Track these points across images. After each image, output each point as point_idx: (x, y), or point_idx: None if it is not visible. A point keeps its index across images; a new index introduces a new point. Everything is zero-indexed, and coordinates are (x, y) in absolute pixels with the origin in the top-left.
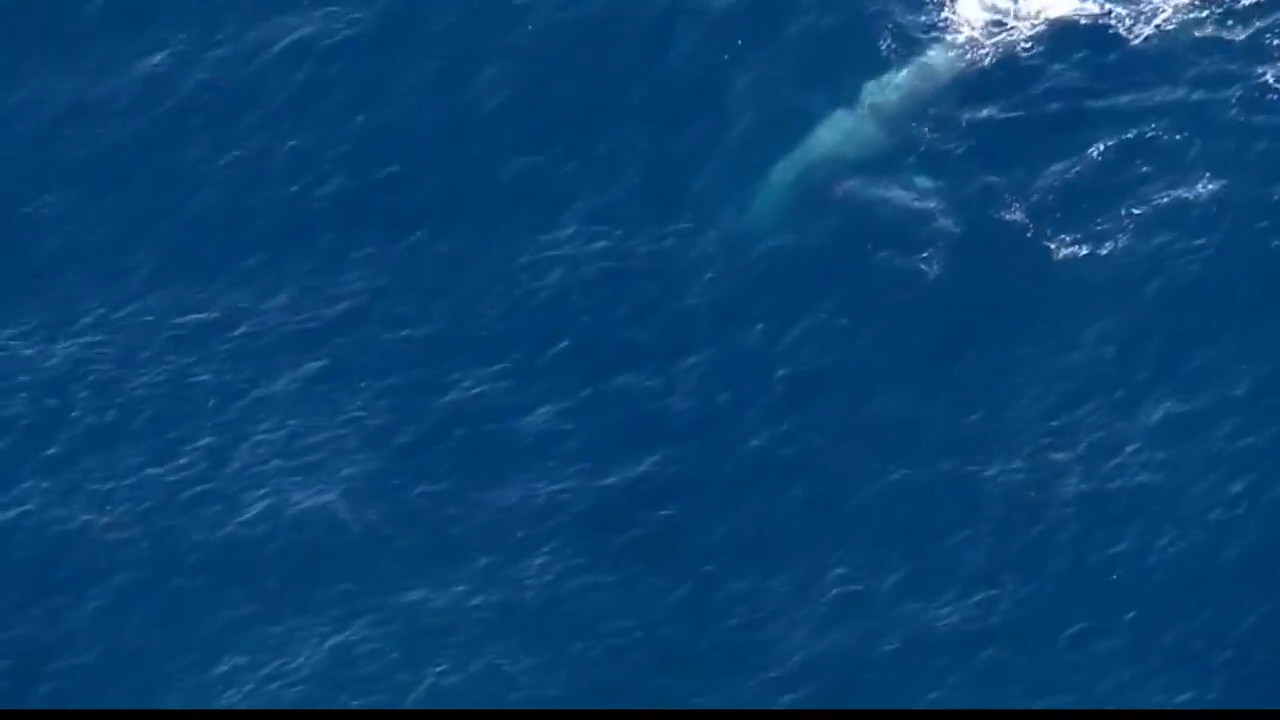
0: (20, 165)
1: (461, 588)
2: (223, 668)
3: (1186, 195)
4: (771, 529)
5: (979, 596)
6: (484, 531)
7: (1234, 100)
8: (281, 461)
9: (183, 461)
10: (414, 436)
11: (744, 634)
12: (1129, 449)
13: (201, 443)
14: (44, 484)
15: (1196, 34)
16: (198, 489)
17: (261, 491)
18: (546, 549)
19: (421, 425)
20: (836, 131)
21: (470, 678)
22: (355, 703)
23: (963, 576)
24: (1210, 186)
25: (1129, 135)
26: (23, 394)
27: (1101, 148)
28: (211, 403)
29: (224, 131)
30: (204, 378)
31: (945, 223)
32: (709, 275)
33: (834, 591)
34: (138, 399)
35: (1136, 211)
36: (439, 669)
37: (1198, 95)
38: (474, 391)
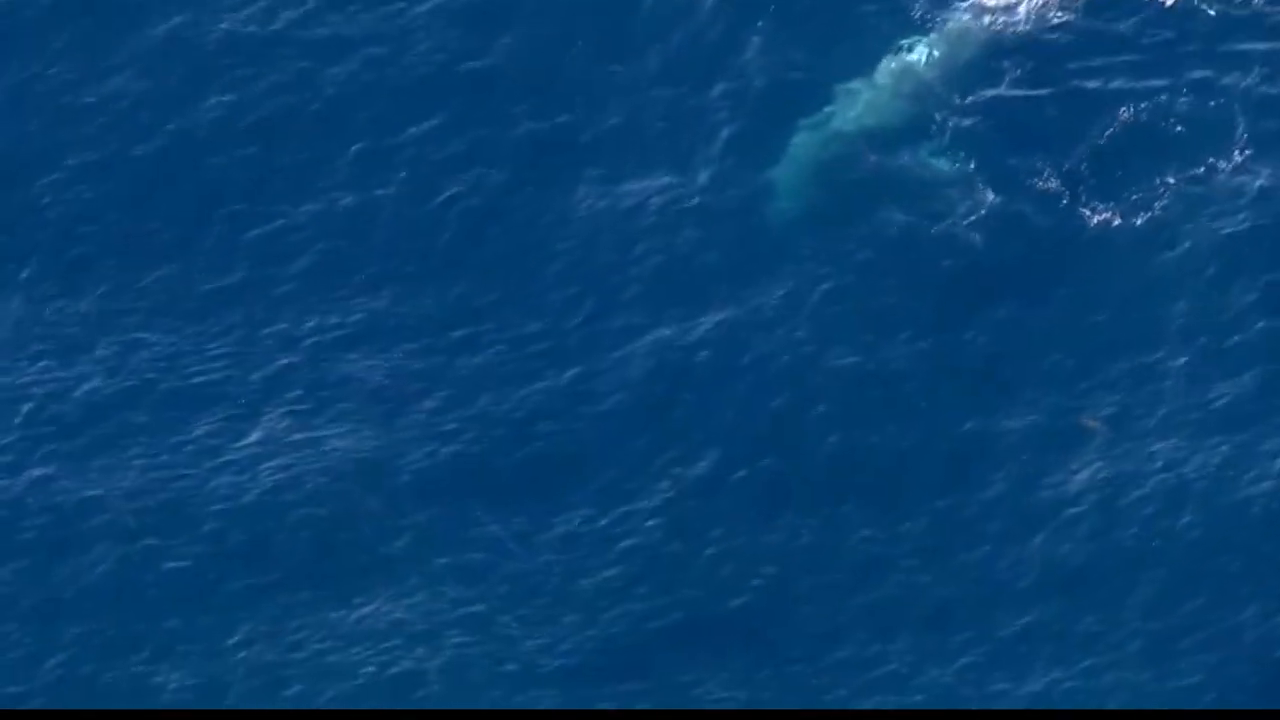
0: (38, 132)
1: (482, 556)
2: (238, 637)
3: (1218, 165)
4: (794, 488)
5: (1006, 561)
6: (505, 499)
7: (1264, 73)
8: (305, 434)
9: (201, 431)
10: (439, 404)
11: (766, 598)
12: (1155, 415)
13: (221, 411)
14: (60, 450)
15: (1229, 6)
16: (218, 459)
17: (282, 461)
18: (569, 515)
19: (447, 392)
20: (859, 98)
21: (490, 650)
22: (376, 675)
23: (989, 538)
24: (1240, 156)
25: (1160, 106)
26: (41, 362)
27: (1131, 117)
28: (232, 371)
29: (244, 94)
30: (224, 346)
31: (969, 190)
32: (727, 240)
33: (857, 555)
34: (157, 367)
35: (1169, 181)
36: (459, 641)
37: (1231, 66)
38: (498, 354)
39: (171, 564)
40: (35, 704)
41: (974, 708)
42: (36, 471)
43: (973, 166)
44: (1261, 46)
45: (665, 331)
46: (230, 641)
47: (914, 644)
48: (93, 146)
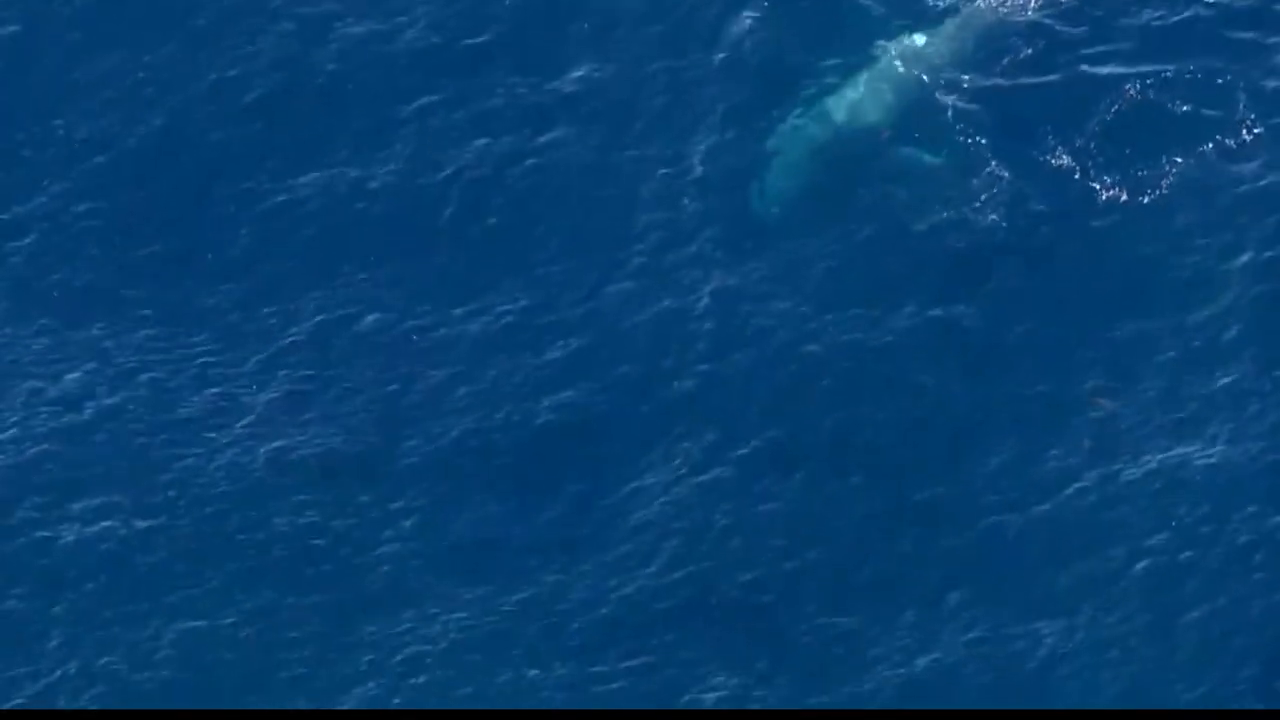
0: (40, 107)
1: (485, 536)
2: (237, 619)
3: (1225, 144)
4: (799, 463)
5: (1011, 535)
6: (509, 478)
7: (1270, 54)
8: (307, 413)
9: (203, 409)
10: (442, 381)
11: (772, 574)
12: (1160, 388)
13: (223, 389)
14: (59, 428)
15: None
16: (219, 439)
17: (284, 441)
18: (573, 494)
19: (450, 370)
20: (862, 76)
21: (495, 631)
22: (377, 659)
23: (994, 512)
24: (1248, 135)
25: (1164, 87)
26: (42, 339)
27: (1137, 96)
28: (233, 349)
29: (245, 70)
30: (226, 323)
31: (972, 168)
32: (729, 214)
33: (862, 529)
34: (158, 345)
35: (1175, 160)
36: (461, 616)
37: (1236, 48)
38: (502, 330)
39: (171, 544)
40: (36, 683)
41: (979, 680)
42: (36, 449)
43: (975, 145)
44: (1267, 28)
45: (669, 305)
46: (229, 622)
47: (920, 618)
48: (94, 122)
